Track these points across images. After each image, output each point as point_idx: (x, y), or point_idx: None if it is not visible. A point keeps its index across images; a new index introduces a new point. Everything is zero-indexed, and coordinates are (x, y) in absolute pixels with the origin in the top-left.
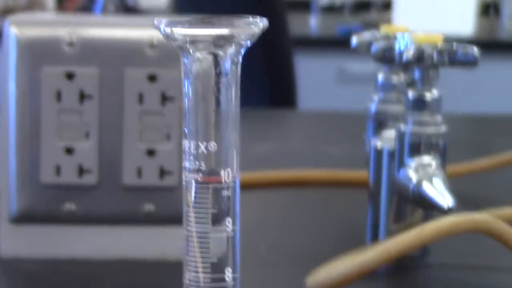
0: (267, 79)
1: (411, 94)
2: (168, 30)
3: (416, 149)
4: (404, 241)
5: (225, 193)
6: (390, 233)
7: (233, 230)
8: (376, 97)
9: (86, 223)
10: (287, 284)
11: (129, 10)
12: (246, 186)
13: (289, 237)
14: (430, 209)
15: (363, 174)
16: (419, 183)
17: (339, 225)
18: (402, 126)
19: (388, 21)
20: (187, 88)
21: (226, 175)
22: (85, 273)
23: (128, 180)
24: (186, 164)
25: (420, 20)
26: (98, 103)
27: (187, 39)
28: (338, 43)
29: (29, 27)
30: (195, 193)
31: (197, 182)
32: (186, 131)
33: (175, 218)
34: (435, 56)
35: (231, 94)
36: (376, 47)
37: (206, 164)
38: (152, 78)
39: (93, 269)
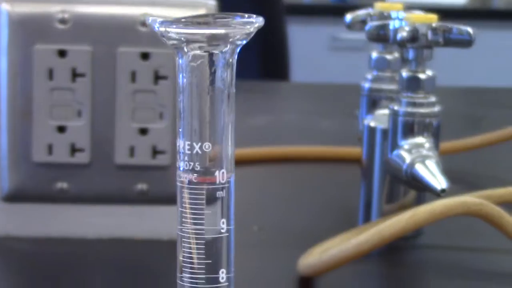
0: (259, 51)
1: (405, 74)
2: (162, 29)
3: (409, 130)
4: (397, 224)
5: (219, 194)
6: (382, 214)
7: (228, 231)
8: (369, 75)
9: (79, 202)
10: (279, 267)
11: None
12: (237, 162)
13: (281, 216)
14: (423, 190)
15: (356, 150)
16: (412, 165)
17: (331, 203)
18: (396, 106)
19: None
20: (182, 87)
21: (220, 175)
22: (77, 252)
23: (121, 159)
24: (181, 164)
25: None
26: (91, 81)
27: (182, 39)
28: (331, 11)
29: (21, 4)
30: (189, 193)
31: (191, 182)
32: (181, 131)
33: (167, 197)
34: (429, 35)
35: (227, 93)
36: (370, 26)
37: (200, 164)
38: (145, 56)
39: (85, 248)
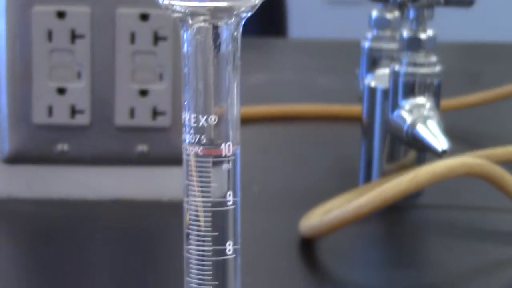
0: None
1: (405, 33)
2: (167, 2)
3: (410, 90)
4: (398, 186)
5: (226, 166)
6: (383, 173)
7: (234, 203)
8: (369, 34)
9: (79, 163)
10: (280, 228)
11: None
12: None
13: (281, 176)
14: (424, 150)
15: (357, 108)
16: (413, 125)
17: (332, 162)
18: (397, 67)
19: None
20: (186, 60)
21: (227, 148)
22: (78, 213)
23: (121, 120)
24: (186, 137)
25: None
26: (90, 43)
27: (187, 12)
28: None
29: None
30: (196, 166)
31: (197, 155)
32: (186, 104)
33: (168, 159)
34: None
35: (232, 66)
36: None
37: (206, 137)
38: (144, 17)
39: (86, 209)
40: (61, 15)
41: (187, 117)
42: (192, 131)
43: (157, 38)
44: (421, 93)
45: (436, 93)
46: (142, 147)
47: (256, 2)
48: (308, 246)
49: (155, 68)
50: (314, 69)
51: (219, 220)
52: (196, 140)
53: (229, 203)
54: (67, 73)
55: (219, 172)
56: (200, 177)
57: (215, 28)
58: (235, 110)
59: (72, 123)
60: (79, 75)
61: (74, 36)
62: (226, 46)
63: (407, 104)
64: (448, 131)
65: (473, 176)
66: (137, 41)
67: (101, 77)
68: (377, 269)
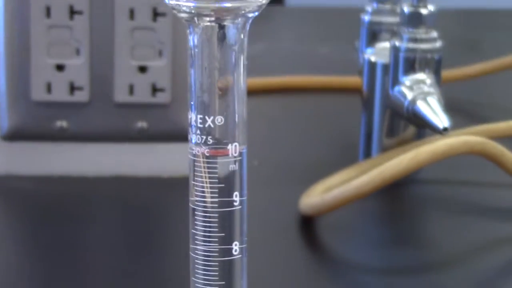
0: None
1: (406, 9)
2: (173, 2)
3: (410, 66)
4: (399, 165)
5: (232, 167)
6: (383, 148)
7: (241, 203)
8: (369, 8)
9: (78, 140)
10: (280, 204)
11: None
12: None
13: (281, 149)
14: (425, 127)
15: (356, 79)
16: (413, 102)
17: (332, 135)
18: (397, 42)
19: None
20: (192, 60)
21: (233, 149)
22: (77, 190)
23: (120, 97)
24: (192, 137)
25: None
26: (89, 19)
27: (193, 12)
28: None
29: None
30: (202, 167)
31: (203, 156)
32: (192, 104)
33: (167, 135)
34: None
35: (239, 66)
36: None
37: (212, 138)
38: None
39: (85, 186)
40: None
41: (193, 117)
42: (198, 131)
43: (156, 14)
44: (422, 69)
45: (437, 69)
46: (141, 124)
47: (263, 2)
48: (308, 223)
49: (155, 44)
50: (313, 38)
51: (225, 221)
52: (203, 141)
53: (236, 204)
54: (65, 49)
55: (225, 172)
56: (205, 177)
57: (222, 28)
58: (242, 110)
59: (71, 99)
60: (77, 52)
61: (72, 12)
62: (233, 46)
63: (407, 80)
64: (448, 102)
65: (474, 154)
66: (136, 17)
67: (100, 54)
68: (376, 247)
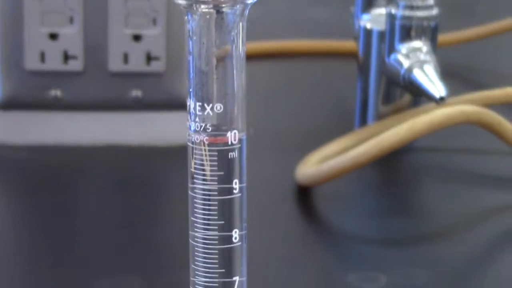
0: None
1: None
2: None
3: (406, 34)
4: (396, 135)
5: (231, 154)
6: (379, 115)
7: (241, 190)
8: None
9: (73, 109)
10: (276, 173)
11: None
12: None
13: (277, 117)
14: (421, 96)
15: (352, 44)
16: (410, 70)
17: (327, 101)
18: (393, 10)
19: None
20: (191, 48)
21: (232, 136)
22: (71, 159)
23: (114, 66)
24: (191, 124)
25: None
26: None
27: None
28: None
29: None
30: (201, 154)
31: (202, 143)
32: (191, 91)
33: (162, 104)
34: None
35: (237, 53)
36: None
37: (212, 125)
38: None
39: (80, 155)
40: None
41: (192, 104)
42: (197, 119)
43: None
44: (418, 37)
45: (433, 36)
46: (136, 93)
47: None
48: (304, 193)
49: (149, 12)
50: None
51: (225, 208)
52: (202, 128)
53: (235, 191)
54: (59, 18)
55: (225, 160)
56: (205, 165)
57: (220, 14)
58: (241, 97)
59: (65, 69)
60: (71, 20)
61: None
62: (231, 33)
63: (403, 48)
64: (444, 67)
65: (471, 123)
66: None
67: (94, 22)
68: (373, 217)
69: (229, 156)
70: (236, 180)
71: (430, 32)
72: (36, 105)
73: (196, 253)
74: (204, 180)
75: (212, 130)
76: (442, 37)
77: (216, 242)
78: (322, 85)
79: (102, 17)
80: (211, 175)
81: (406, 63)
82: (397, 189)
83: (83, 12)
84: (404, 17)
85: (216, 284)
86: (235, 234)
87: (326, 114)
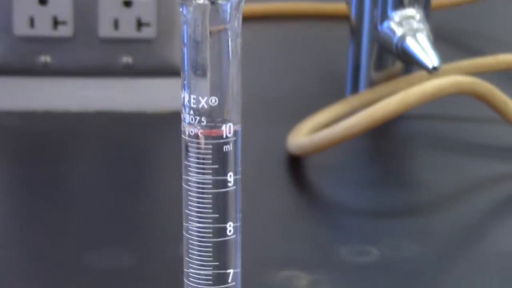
0: None
1: None
2: None
3: (399, 1)
4: (388, 106)
5: (226, 148)
6: (370, 82)
7: (235, 183)
8: None
9: (63, 75)
10: (268, 143)
11: None
12: None
13: (268, 83)
14: (414, 64)
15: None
16: (403, 38)
17: (319, 66)
18: None
19: None
20: (186, 39)
21: (227, 129)
22: (61, 126)
23: (105, 32)
24: (186, 117)
25: None
26: None
27: None
28: None
29: None
30: (195, 147)
31: (197, 136)
32: (186, 83)
33: (153, 70)
34: None
35: (233, 45)
36: None
37: (206, 118)
38: None
39: (70, 122)
40: None
41: (187, 97)
42: (192, 112)
43: None
44: (411, 4)
45: (426, 4)
46: (126, 59)
47: None
48: (295, 163)
49: None
50: None
51: (219, 201)
52: (196, 121)
53: (230, 184)
54: None
55: (219, 153)
56: (199, 158)
57: (215, 6)
58: (236, 90)
59: (54, 34)
60: None
61: None
62: (227, 24)
63: (396, 15)
64: (435, 31)
65: (464, 94)
66: None
67: None
68: (365, 188)
69: (224, 149)
70: (230, 173)
71: (423, 0)
72: (26, 71)
73: (190, 246)
74: (198, 173)
75: (206, 123)
76: (435, 0)
77: (211, 235)
78: (313, 48)
79: None
80: (206, 168)
81: (399, 31)
82: (388, 158)
83: None
84: None
85: (211, 277)
86: (230, 227)
87: (318, 79)
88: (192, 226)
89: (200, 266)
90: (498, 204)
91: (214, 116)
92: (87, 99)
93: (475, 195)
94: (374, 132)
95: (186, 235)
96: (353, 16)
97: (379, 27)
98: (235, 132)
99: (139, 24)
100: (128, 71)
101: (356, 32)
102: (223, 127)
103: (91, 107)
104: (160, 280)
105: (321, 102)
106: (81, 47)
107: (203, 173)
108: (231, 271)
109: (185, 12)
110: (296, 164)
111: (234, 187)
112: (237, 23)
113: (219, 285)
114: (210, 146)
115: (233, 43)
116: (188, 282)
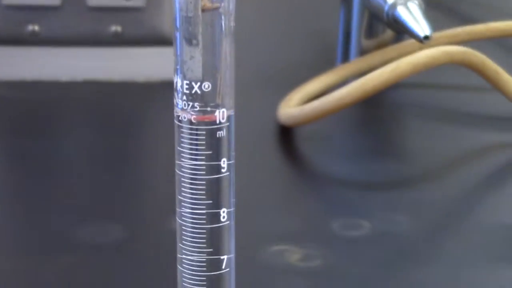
0: None
1: None
2: None
3: None
4: (380, 77)
5: (219, 133)
6: (361, 50)
7: (229, 169)
8: None
9: (51, 44)
10: (259, 113)
11: None
12: None
13: (258, 52)
14: (405, 33)
15: None
16: (394, 6)
17: (309, 33)
18: None
19: None
20: (178, 24)
21: (221, 115)
22: (50, 95)
23: (93, 0)
24: (178, 102)
25: None
26: None
27: None
28: None
29: None
30: (188, 133)
31: (189, 122)
32: (178, 68)
33: (142, 39)
34: None
35: (227, 30)
36: None
37: (199, 104)
38: None
39: (59, 91)
40: None
41: (179, 82)
42: (184, 97)
43: None
44: None
45: None
46: (115, 28)
47: None
48: (286, 133)
49: None
50: None
51: (213, 187)
52: (189, 107)
53: (223, 170)
54: None
55: (212, 139)
56: (192, 144)
57: None
58: (230, 75)
59: (42, 3)
60: None
61: None
62: (219, 9)
63: None
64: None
65: (455, 64)
66: None
67: None
68: (356, 159)
69: (217, 135)
70: (224, 159)
71: None
72: (13, 40)
73: (183, 232)
74: (191, 158)
75: (199, 109)
76: None
77: (204, 221)
78: (303, 17)
79: None
80: (199, 154)
81: (390, 0)
82: (380, 129)
83: None
84: None
85: (204, 263)
86: (223, 213)
87: (308, 48)
88: (185, 212)
89: (193, 252)
90: (491, 174)
91: (207, 101)
92: (76, 68)
93: (468, 165)
94: (366, 101)
95: (179, 221)
96: None
97: None
98: (229, 117)
99: None
100: (117, 40)
101: (346, 2)
102: (216, 113)
103: (80, 76)
104: (152, 254)
105: (312, 71)
106: (69, 15)
107: (196, 159)
108: (225, 257)
109: None
110: (287, 134)
111: (228, 173)
112: (231, 5)
113: (213, 271)
114: (203, 132)
115: (227, 29)
116: (182, 268)
